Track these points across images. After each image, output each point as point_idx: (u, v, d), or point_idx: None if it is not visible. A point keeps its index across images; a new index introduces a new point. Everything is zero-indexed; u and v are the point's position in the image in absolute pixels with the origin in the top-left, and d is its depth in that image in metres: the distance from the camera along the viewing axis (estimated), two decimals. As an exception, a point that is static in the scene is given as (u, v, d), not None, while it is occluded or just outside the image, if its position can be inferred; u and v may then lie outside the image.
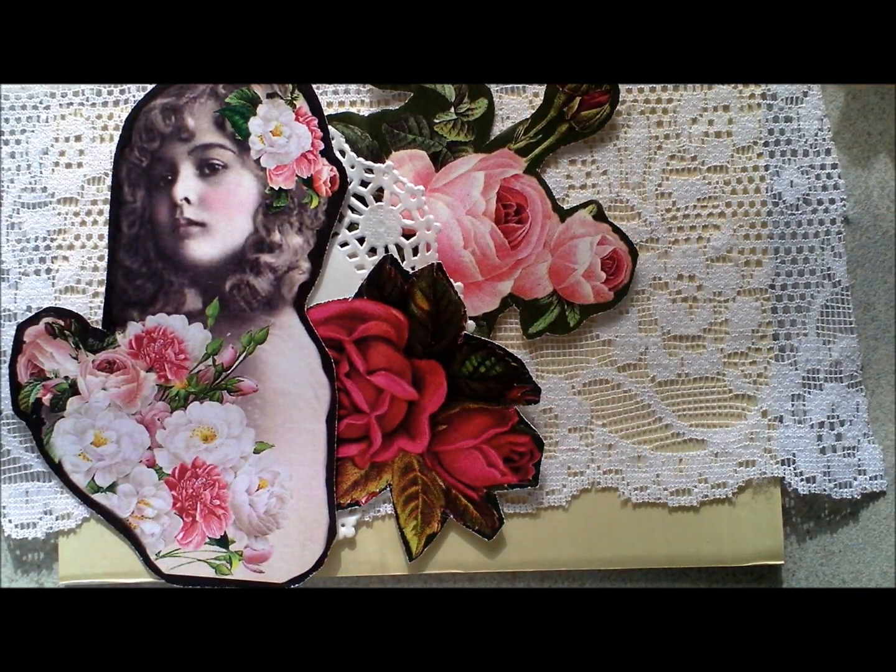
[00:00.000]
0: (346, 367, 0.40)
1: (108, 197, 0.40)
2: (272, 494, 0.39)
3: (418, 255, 0.40)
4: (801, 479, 0.41)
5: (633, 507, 0.41)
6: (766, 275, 0.41)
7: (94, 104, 0.40)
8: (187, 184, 0.39)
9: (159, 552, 0.39)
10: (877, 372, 0.42)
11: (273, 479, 0.39)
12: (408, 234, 0.40)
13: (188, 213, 0.39)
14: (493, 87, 0.40)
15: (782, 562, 0.40)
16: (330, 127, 0.40)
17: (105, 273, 0.40)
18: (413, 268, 0.40)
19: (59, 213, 0.41)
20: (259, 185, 0.39)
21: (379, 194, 0.40)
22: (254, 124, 0.39)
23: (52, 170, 0.41)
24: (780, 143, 0.40)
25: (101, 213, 0.40)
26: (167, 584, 0.39)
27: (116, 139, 0.40)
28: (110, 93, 0.40)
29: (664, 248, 0.40)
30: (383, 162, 0.40)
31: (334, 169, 0.39)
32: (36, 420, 0.39)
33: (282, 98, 0.39)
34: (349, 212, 0.40)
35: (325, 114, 0.40)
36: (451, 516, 0.40)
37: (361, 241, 0.40)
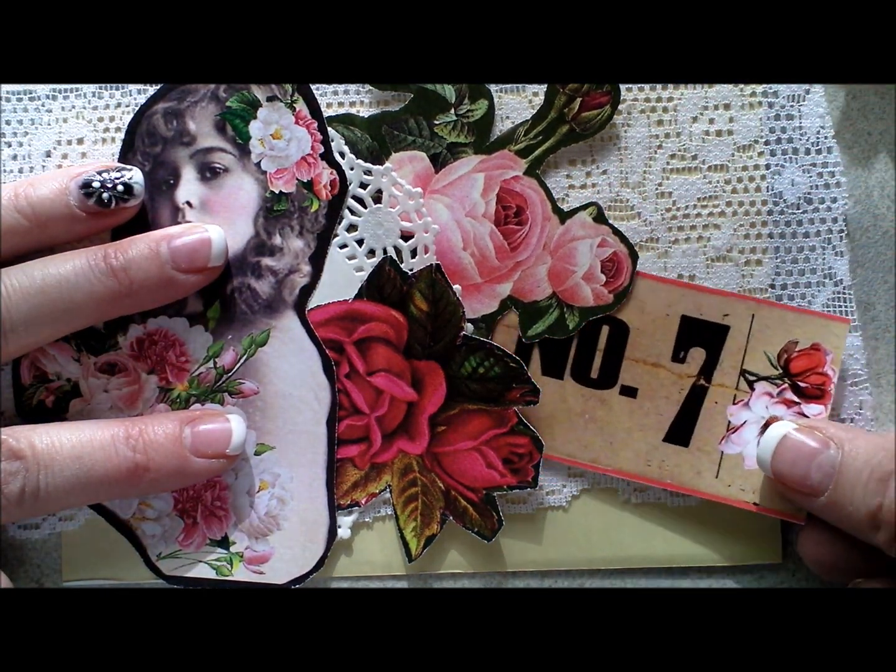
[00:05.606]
0: (346, 368, 0.40)
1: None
2: (273, 496, 0.40)
3: (416, 257, 0.40)
4: (802, 480, 0.41)
5: (633, 508, 0.41)
6: (767, 274, 0.40)
7: (95, 107, 0.40)
8: (189, 188, 0.39)
9: (160, 553, 0.40)
10: (877, 372, 0.41)
11: (274, 481, 0.40)
12: (407, 236, 0.40)
13: (190, 217, 0.39)
14: (493, 88, 0.40)
15: (779, 560, 0.41)
16: (329, 129, 0.40)
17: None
18: (412, 270, 0.40)
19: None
20: (260, 188, 0.39)
21: (378, 196, 0.40)
22: (254, 128, 0.39)
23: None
24: (782, 142, 0.40)
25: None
26: (168, 585, 0.40)
27: (118, 142, 0.40)
28: (111, 95, 0.40)
29: (664, 248, 0.40)
30: (383, 163, 0.40)
31: (334, 172, 0.39)
32: (40, 422, 0.39)
33: (281, 101, 0.39)
34: (348, 214, 0.40)
35: (325, 115, 0.40)
36: (451, 518, 0.40)
37: (360, 242, 0.40)
